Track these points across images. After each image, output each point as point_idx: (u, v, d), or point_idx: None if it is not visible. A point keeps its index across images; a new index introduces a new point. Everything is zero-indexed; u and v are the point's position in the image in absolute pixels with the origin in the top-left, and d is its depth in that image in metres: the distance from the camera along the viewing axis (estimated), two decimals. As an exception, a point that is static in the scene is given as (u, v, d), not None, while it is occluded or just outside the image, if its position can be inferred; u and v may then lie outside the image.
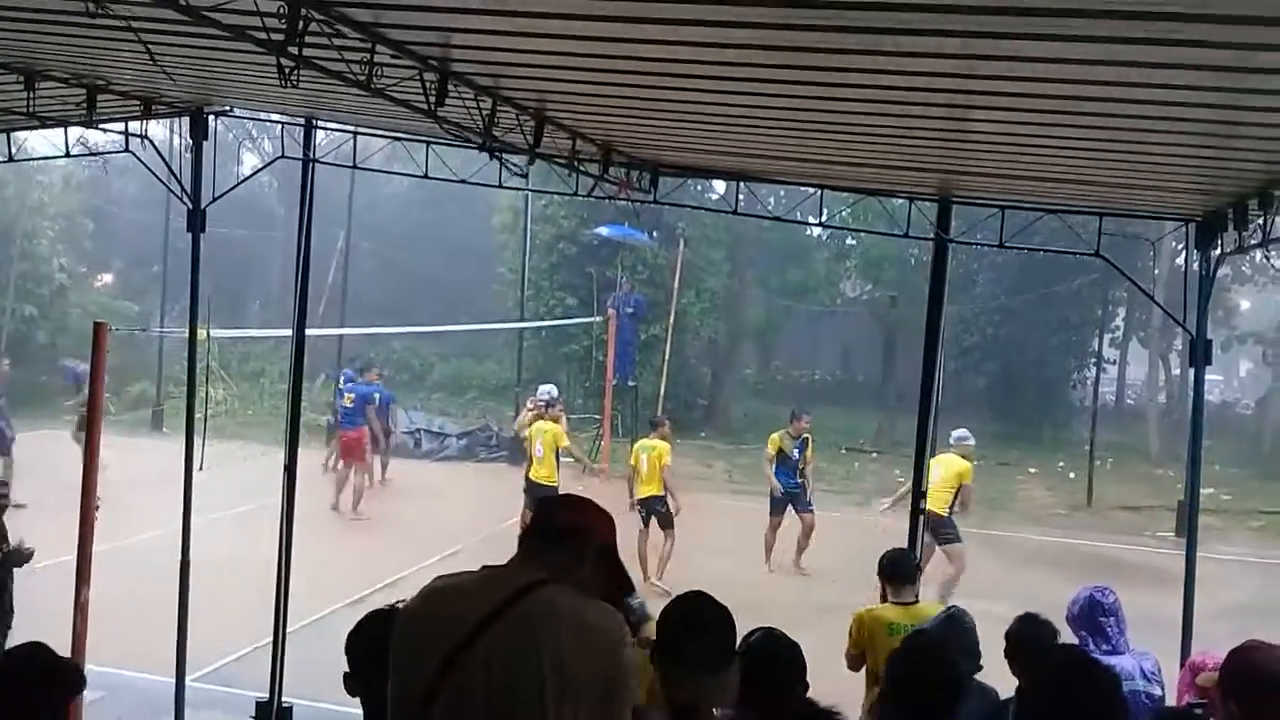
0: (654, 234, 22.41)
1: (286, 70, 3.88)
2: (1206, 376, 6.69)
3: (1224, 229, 5.70)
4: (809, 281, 28.31)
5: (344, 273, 24.81)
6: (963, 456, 11.32)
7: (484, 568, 2.57)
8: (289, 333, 7.84)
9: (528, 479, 12.33)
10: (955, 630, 4.48)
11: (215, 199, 7.41)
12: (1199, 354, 6.13)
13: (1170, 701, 4.56)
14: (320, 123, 7.69)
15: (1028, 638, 4.32)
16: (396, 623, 2.56)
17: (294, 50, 3.56)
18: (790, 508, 12.50)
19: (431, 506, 15.48)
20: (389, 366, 25.79)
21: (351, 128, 7.88)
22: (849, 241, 28.45)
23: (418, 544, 12.32)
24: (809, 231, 28.02)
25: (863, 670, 5.46)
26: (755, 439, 24.65)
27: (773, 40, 3.44)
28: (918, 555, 6.54)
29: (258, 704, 7.29)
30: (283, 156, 8.25)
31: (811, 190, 7.42)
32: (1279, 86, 3.37)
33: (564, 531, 2.56)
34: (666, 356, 20.64)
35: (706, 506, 15.20)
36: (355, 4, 3.63)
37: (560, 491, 11.66)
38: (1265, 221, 5.00)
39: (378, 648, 2.60)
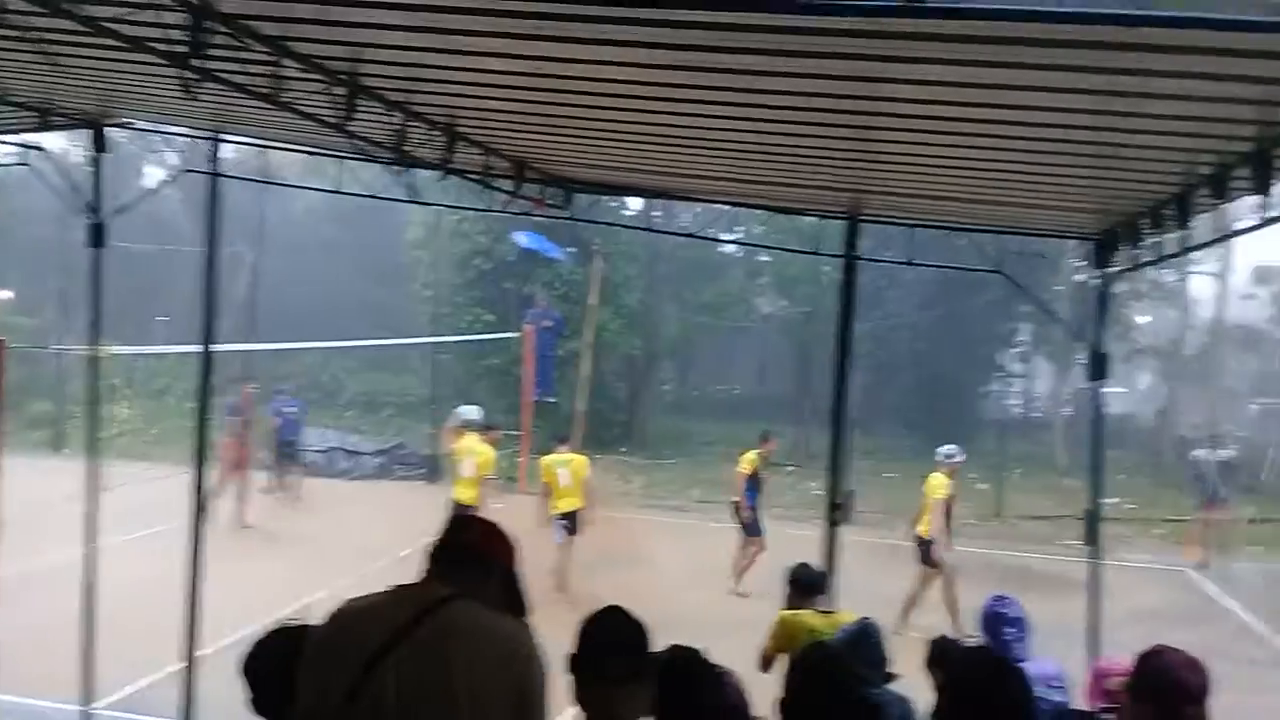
0: (570, 250, 22.42)
1: (190, 83, 3.81)
2: (1108, 389, 6.92)
3: (1119, 247, 5.91)
4: (725, 298, 28.62)
5: (253, 287, 24.33)
6: (948, 474, 11.45)
7: (397, 587, 2.56)
8: (196, 349, 7.67)
9: (451, 499, 12.18)
10: (862, 641, 4.53)
11: (117, 213, 7.22)
12: (1098, 367, 6.36)
13: (1077, 703, 4.66)
14: (228, 136, 7.55)
15: (949, 647, 4.42)
16: (307, 645, 2.53)
17: (197, 63, 3.50)
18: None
19: (347, 525, 15.25)
20: (300, 384, 25.35)
21: (260, 142, 7.75)
22: (763, 258, 28.84)
23: (334, 563, 12.11)
24: (723, 248, 28.31)
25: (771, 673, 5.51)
26: (673, 454, 24.82)
27: (686, 61, 3.48)
28: (831, 566, 6.62)
29: (167, 731, 7.10)
30: (187, 170, 8.07)
31: (725, 207, 7.50)
32: (1166, 111, 3.52)
33: (470, 552, 2.57)
34: (585, 373, 20.64)
35: (627, 523, 15.22)
36: (261, 17, 3.58)
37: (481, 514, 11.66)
38: (1157, 239, 5.20)
39: (277, 669, 2.56)
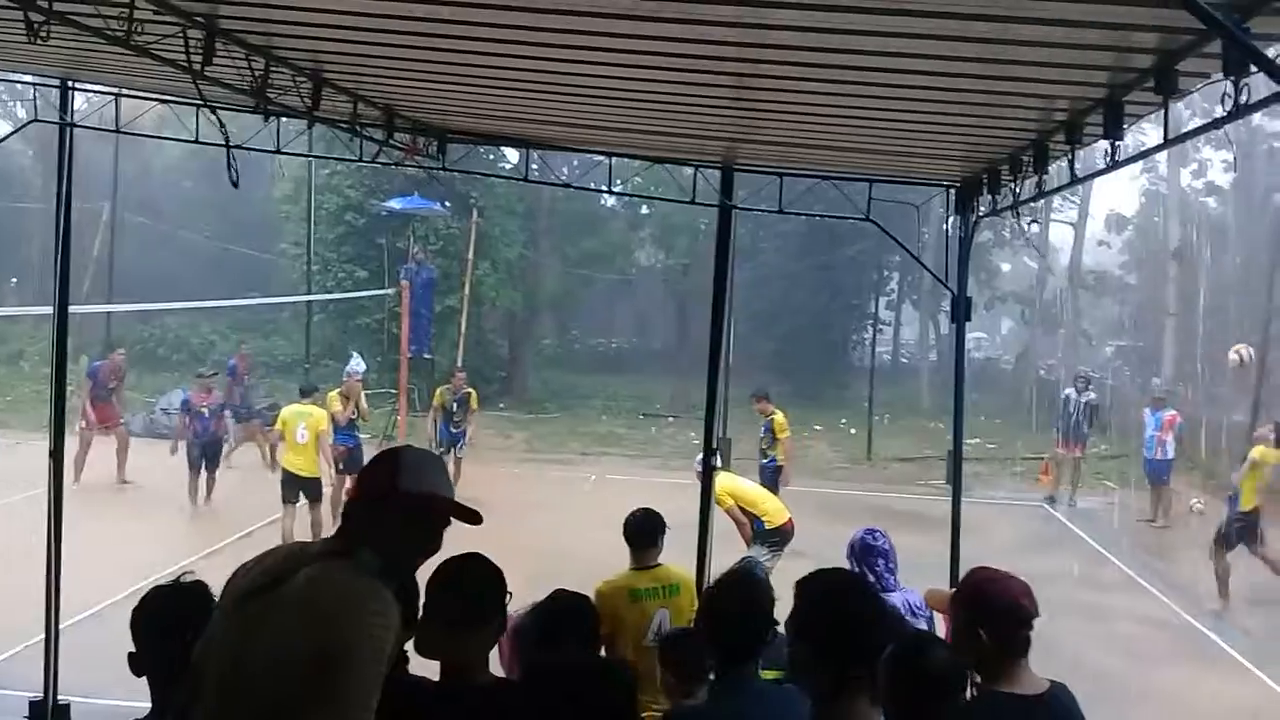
0: (446, 204, 22.04)
1: (35, 25, 3.61)
2: (971, 334, 7.20)
3: (980, 194, 6.12)
4: (604, 251, 28.61)
5: (111, 246, 23.25)
6: None
7: (305, 542, 2.54)
8: (49, 310, 7.32)
9: (282, 468, 11.63)
10: (754, 579, 4.63)
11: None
12: (959, 311, 6.60)
13: (939, 633, 4.91)
14: (79, 84, 7.16)
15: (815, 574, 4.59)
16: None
17: (43, 4, 3.32)
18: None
19: (217, 490, 14.79)
20: (163, 346, 24.46)
21: (114, 89, 7.38)
22: (642, 211, 28.92)
23: (203, 529, 11.83)
24: (603, 201, 28.30)
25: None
26: (555, 409, 24.83)
27: (557, 4, 3.45)
28: (707, 509, 6.76)
29: (31, 704, 6.83)
30: (36, 120, 7.63)
31: (601, 158, 7.48)
32: (1027, 58, 3.65)
33: (378, 494, 2.47)
34: (463, 328, 20.42)
35: (505, 477, 15.23)
36: (111, -46, 3.41)
37: (321, 482, 11.50)
38: (1015, 186, 5.40)
39: (163, 621, 2.52)
